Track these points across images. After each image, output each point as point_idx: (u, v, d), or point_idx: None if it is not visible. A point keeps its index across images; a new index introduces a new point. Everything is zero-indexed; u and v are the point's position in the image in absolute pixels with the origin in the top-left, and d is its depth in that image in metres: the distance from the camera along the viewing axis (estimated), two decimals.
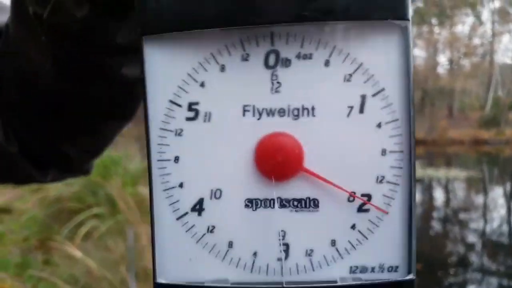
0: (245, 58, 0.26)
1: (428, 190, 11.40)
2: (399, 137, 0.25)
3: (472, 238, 7.25)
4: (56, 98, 0.55)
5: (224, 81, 0.26)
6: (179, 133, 0.26)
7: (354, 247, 0.26)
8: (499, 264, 5.88)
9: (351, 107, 0.25)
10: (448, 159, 17.01)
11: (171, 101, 0.26)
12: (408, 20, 0.24)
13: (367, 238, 0.26)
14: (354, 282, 0.26)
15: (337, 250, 0.26)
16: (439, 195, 11.07)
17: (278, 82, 0.26)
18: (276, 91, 0.26)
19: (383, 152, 0.25)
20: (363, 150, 0.25)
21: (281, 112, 0.26)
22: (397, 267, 0.26)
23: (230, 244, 0.26)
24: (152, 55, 0.26)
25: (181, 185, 0.26)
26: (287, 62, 0.25)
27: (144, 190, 4.87)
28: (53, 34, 0.46)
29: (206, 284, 0.26)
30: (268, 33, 0.25)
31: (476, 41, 25.78)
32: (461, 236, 7.33)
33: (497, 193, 11.00)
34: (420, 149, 19.48)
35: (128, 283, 3.27)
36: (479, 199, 10.27)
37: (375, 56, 0.25)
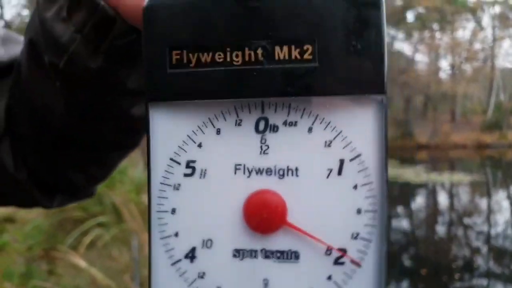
0: (238, 123, 0.29)
1: (432, 194, 11.38)
2: (373, 198, 0.28)
3: (476, 242, 7.23)
4: (66, 133, 0.57)
5: (219, 142, 0.29)
6: (177, 187, 0.29)
7: None
8: (504, 268, 5.86)
9: (331, 170, 0.28)
10: (451, 164, 16.96)
11: (171, 159, 0.29)
12: (385, 93, 0.27)
13: None
14: None
15: None
16: (443, 200, 11.04)
17: (266, 145, 0.29)
18: (265, 153, 0.29)
19: (359, 211, 0.28)
20: (340, 209, 0.29)
21: (269, 171, 0.29)
22: None
23: None
24: (156, 119, 0.29)
25: (176, 234, 0.29)
26: (275, 128, 0.29)
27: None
28: (67, 81, 0.49)
29: None
30: (259, 102, 0.28)
31: (477, 46, 25.77)
32: (465, 240, 7.31)
33: (501, 197, 10.96)
34: (423, 153, 19.45)
35: None
36: (483, 203, 10.24)
37: (353, 125, 0.28)
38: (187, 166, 0.29)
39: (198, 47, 0.28)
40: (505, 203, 10.24)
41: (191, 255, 0.29)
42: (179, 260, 0.30)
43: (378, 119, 0.28)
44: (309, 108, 0.28)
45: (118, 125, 0.56)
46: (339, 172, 0.28)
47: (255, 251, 0.29)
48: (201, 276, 0.29)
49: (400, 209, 9.87)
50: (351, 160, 0.28)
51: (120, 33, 0.43)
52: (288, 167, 0.29)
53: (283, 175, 0.29)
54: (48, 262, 4.79)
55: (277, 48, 0.27)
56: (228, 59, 0.27)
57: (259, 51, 0.27)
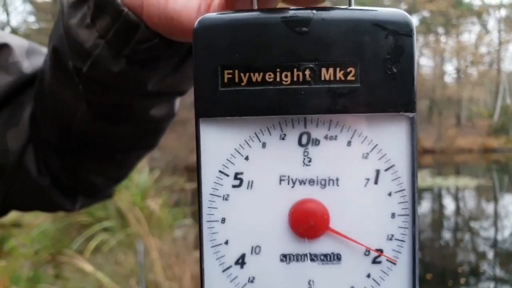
0: (282, 138, 0.31)
1: (437, 199, 11.35)
2: (405, 203, 0.31)
3: (482, 247, 7.21)
4: (88, 137, 0.59)
5: (265, 155, 0.31)
6: (225, 198, 0.32)
7: None
8: (510, 273, 5.84)
9: (368, 179, 0.31)
10: (456, 168, 16.92)
11: (220, 171, 0.32)
12: (415, 112, 0.31)
13: (379, 285, 0.32)
14: None
15: None
16: (448, 204, 11.01)
17: (309, 158, 0.31)
18: (307, 165, 0.31)
19: (393, 215, 0.32)
20: (377, 214, 0.32)
21: (311, 182, 0.31)
22: None
23: None
24: (206, 134, 0.31)
25: (226, 242, 0.32)
26: (316, 142, 0.31)
27: (153, 204, 4.89)
28: (90, 84, 0.51)
29: None
30: (302, 118, 0.31)
31: (483, 49, 25.74)
32: (471, 245, 7.29)
33: (508, 201, 10.91)
34: (429, 158, 19.41)
35: None
36: (489, 208, 10.21)
37: (387, 139, 0.31)
38: (235, 177, 0.32)
39: (250, 67, 0.30)
40: None
41: (241, 261, 0.32)
42: (230, 267, 0.32)
43: (409, 133, 0.31)
44: (348, 124, 0.31)
45: (138, 127, 0.58)
46: (376, 181, 0.31)
47: (301, 255, 0.32)
48: (251, 280, 0.32)
49: None
50: (386, 170, 0.31)
51: (142, 38, 0.45)
52: (329, 177, 0.31)
53: (324, 185, 0.31)
54: (54, 266, 4.81)
55: (323, 70, 0.30)
56: (278, 79, 0.30)
57: (307, 72, 0.30)
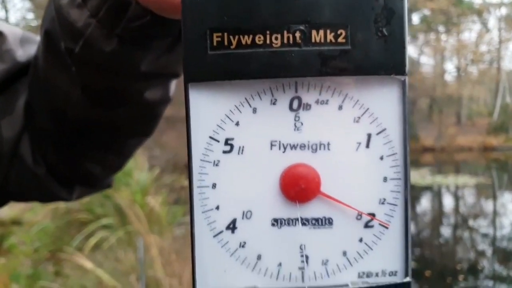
0: (273, 103, 0.31)
1: (437, 197, 11.36)
2: (397, 167, 0.31)
3: (481, 244, 7.22)
4: (83, 123, 0.58)
5: (256, 121, 0.31)
6: (216, 163, 0.32)
7: (362, 257, 0.32)
8: (509, 270, 5.84)
9: (359, 143, 0.31)
10: (456, 166, 16.93)
11: (211, 137, 0.32)
12: (406, 75, 0.30)
13: (372, 249, 0.32)
14: (362, 285, 0.32)
15: (347, 259, 0.32)
16: (448, 202, 11.02)
17: (300, 122, 0.31)
18: (298, 130, 0.31)
19: (385, 179, 0.32)
20: (369, 178, 0.32)
21: (302, 146, 0.31)
22: (396, 271, 0.32)
23: (259, 257, 0.32)
24: (195, 99, 0.31)
25: (217, 208, 0.32)
26: (308, 106, 0.31)
27: (153, 201, 4.89)
28: (83, 65, 0.50)
29: None
30: (293, 82, 0.31)
31: (483, 48, 25.73)
32: (470, 243, 7.29)
33: (507, 199, 10.93)
34: (429, 156, 19.42)
35: None
36: (488, 206, 10.22)
37: (379, 103, 0.31)
38: (226, 143, 0.32)
39: (239, 30, 0.30)
40: (511, 206, 10.21)
41: (232, 226, 0.32)
42: (221, 232, 0.32)
43: (401, 97, 0.31)
44: (339, 88, 0.31)
45: (133, 111, 0.58)
46: (367, 145, 0.31)
47: (293, 220, 0.32)
48: (242, 245, 0.32)
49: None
50: (378, 134, 0.31)
51: (134, 16, 0.45)
52: (320, 142, 0.31)
53: (316, 149, 0.31)
54: (54, 264, 4.81)
55: (314, 32, 0.30)
56: (268, 41, 0.30)
57: (297, 34, 0.30)
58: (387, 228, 0.32)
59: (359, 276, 0.32)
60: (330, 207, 0.31)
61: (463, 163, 18.00)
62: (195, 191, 0.32)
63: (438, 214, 9.63)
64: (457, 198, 11.36)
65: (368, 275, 0.32)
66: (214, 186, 0.32)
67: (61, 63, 0.52)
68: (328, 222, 0.32)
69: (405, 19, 0.30)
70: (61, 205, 5.42)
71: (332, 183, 0.31)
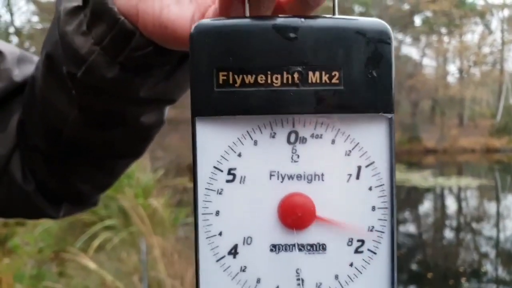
0: (272, 136, 0.34)
1: (439, 199, 11.35)
2: (384, 197, 0.34)
3: (483, 246, 7.21)
4: (77, 143, 0.59)
5: (256, 152, 0.34)
6: (220, 192, 0.34)
7: (352, 280, 0.34)
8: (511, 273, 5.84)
9: (350, 175, 0.34)
10: (459, 168, 16.91)
11: (215, 167, 0.34)
12: (393, 112, 0.33)
13: (361, 273, 0.34)
14: None
15: (339, 282, 0.34)
16: (450, 204, 11.00)
17: (297, 155, 0.34)
18: (295, 161, 0.34)
19: (373, 208, 0.34)
20: (358, 207, 0.34)
21: (299, 177, 0.34)
22: None
23: (258, 280, 0.34)
24: (202, 132, 0.34)
25: (220, 234, 0.34)
26: (304, 140, 0.34)
27: (156, 202, 4.91)
28: (84, 89, 0.52)
29: None
30: (291, 118, 0.34)
31: (486, 49, 25.69)
32: (472, 245, 7.29)
33: (510, 201, 10.91)
34: (431, 158, 19.41)
35: None
36: (491, 207, 10.20)
37: (368, 138, 0.34)
38: (229, 173, 0.34)
39: (243, 70, 0.33)
40: None
41: (233, 251, 0.34)
42: (223, 257, 0.34)
43: (388, 133, 0.34)
44: (332, 124, 0.34)
45: (128, 134, 0.59)
46: (357, 177, 0.34)
47: (290, 245, 0.34)
48: (243, 269, 0.34)
49: (407, 213, 9.86)
50: (367, 166, 0.34)
51: (137, 46, 0.46)
52: (315, 173, 0.34)
53: (311, 180, 0.34)
54: (58, 264, 4.83)
55: (311, 73, 0.33)
56: (269, 81, 0.32)
57: (296, 75, 0.32)
58: (375, 254, 0.34)
59: None
60: (324, 234, 0.34)
61: (465, 165, 17.97)
62: (200, 217, 0.34)
63: (441, 216, 9.63)
64: (459, 200, 11.35)
65: None
66: (217, 213, 0.34)
67: (61, 85, 0.53)
68: (322, 248, 0.34)
69: (392, 62, 0.33)
70: None
71: (325, 211, 0.34)
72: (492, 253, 6.83)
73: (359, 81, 0.33)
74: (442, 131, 22.87)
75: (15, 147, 0.65)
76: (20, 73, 0.65)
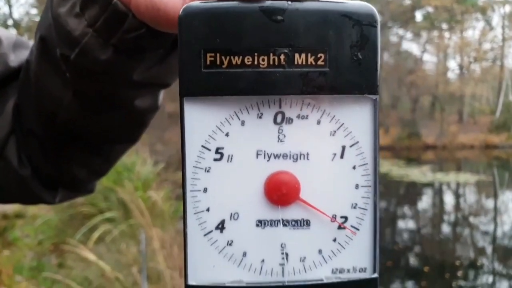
0: (259, 116, 0.35)
1: (438, 194, 11.37)
2: (368, 176, 0.35)
3: (479, 240, 7.24)
4: (72, 126, 0.59)
5: (244, 132, 0.35)
6: (207, 170, 0.35)
7: (335, 255, 0.36)
8: (508, 268, 5.87)
9: (335, 154, 0.35)
10: (458, 164, 16.93)
11: (203, 146, 0.35)
12: (377, 94, 0.34)
13: (344, 248, 0.36)
14: (335, 280, 0.36)
15: (323, 257, 0.36)
16: (448, 199, 11.02)
17: (283, 135, 0.35)
18: (281, 141, 0.35)
19: (357, 186, 0.35)
20: (342, 185, 0.35)
21: (285, 156, 0.35)
22: (365, 268, 0.36)
23: (244, 254, 0.35)
24: (190, 112, 0.35)
25: (208, 210, 0.35)
26: (290, 120, 0.35)
27: (155, 195, 4.92)
28: (77, 72, 0.52)
29: (226, 285, 0.35)
30: (277, 99, 0.35)
31: (487, 46, 25.64)
32: (470, 239, 7.32)
33: (508, 197, 10.93)
34: (430, 154, 19.42)
35: (140, 284, 3.32)
36: (489, 203, 10.23)
37: (353, 119, 0.35)
38: (216, 152, 0.35)
39: (230, 51, 0.33)
40: None
41: (220, 226, 0.35)
42: (211, 231, 0.36)
43: (372, 114, 0.35)
44: (318, 104, 0.35)
45: (122, 118, 0.60)
46: (342, 156, 0.35)
47: (275, 221, 0.35)
48: (230, 243, 0.36)
49: (406, 208, 9.88)
50: (351, 146, 0.35)
51: (130, 27, 0.47)
52: (300, 152, 0.35)
53: (296, 159, 0.35)
54: (58, 256, 4.85)
55: (297, 55, 0.33)
56: (256, 62, 0.33)
57: (282, 57, 0.33)
58: (358, 230, 0.36)
59: (333, 272, 0.36)
60: (308, 210, 0.35)
61: (464, 160, 17.99)
62: (188, 194, 0.35)
63: (439, 211, 9.65)
64: (457, 195, 11.37)
65: (341, 271, 0.36)
66: (205, 190, 0.35)
67: (55, 68, 0.53)
68: (306, 223, 0.35)
69: (377, 44, 0.34)
70: None
71: (310, 188, 0.35)
72: (488, 248, 6.86)
73: (344, 63, 0.34)
74: (442, 127, 22.86)
75: (11, 131, 0.66)
76: (15, 58, 0.66)
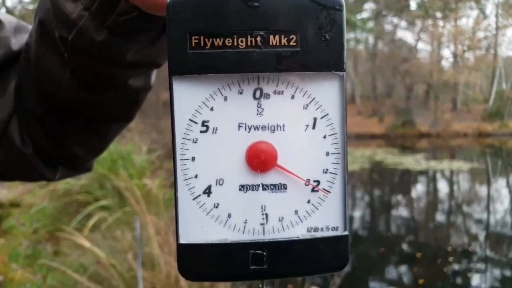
0: (240, 92, 0.39)
1: (431, 181, 11.47)
2: (337, 144, 0.40)
3: (471, 227, 7.33)
4: (71, 105, 0.63)
5: (226, 107, 0.39)
6: (195, 141, 0.39)
7: (310, 215, 0.40)
8: (499, 254, 5.96)
9: (307, 125, 0.40)
10: (451, 152, 17.03)
11: (190, 119, 0.39)
12: (344, 71, 0.39)
13: (317, 209, 0.40)
14: (310, 237, 0.40)
15: (299, 217, 0.40)
16: (441, 186, 11.12)
17: (262, 108, 0.39)
18: (260, 114, 0.39)
19: (327, 154, 0.40)
20: (315, 152, 0.40)
21: (263, 128, 0.39)
22: (337, 227, 0.41)
23: (229, 215, 0.40)
24: (178, 89, 0.39)
25: (196, 176, 0.39)
26: (267, 96, 0.39)
27: (150, 183, 4.94)
28: (75, 52, 0.55)
29: (213, 242, 0.39)
30: (256, 76, 0.39)
31: (480, 34, 25.66)
32: (463, 226, 7.41)
33: (501, 184, 11.04)
34: (424, 142, 19.52)
35: (135, 270, 3.36)
36: (482, 190, 10.33)
37: (323, 93, 0.39)
38: (202, 124, 0.39)
39: (212, 34, 0.37)
40: (505, 191, 10.33)
41: (207, 191, 0.40)
42: (199, 195, 0.40)
43: (340, 88, 0.39)
44: (292, 81, 0.39)
45: (117, 96, 0.63)
46: (313, 127, 0.40)
47: (256, 185, 0.40)
48: (216, 206, 0.40)
49: (400, 196, 9.97)
50: (322, 118, 0.40)
51: (123, 11, 0.51)
52: (277, 124, 0.39)
53: (274, 130, 0.39)
54: (53, 244, 4.87)
55: (271, 37, 0.38)
56: (235, 43, 0.37)
57: (258, 38, 0.37)
58: (329, 192, 0.40)
59: (308, 231, 0.40)
60: (285, 176, 0.39)
61: (458, 148, 18.09)
62: (178, 163, 0.39)
63: (432, 198, 9.75)
64: (451, 183, 11.47)
65: (315, 229, 0.40)
66: (193, 159, 0.39)
67: (53, 50, 0.57)
68: (283, 187, 0.40)
69: (343, 26, 0.38)
70: (60, 186, 5.44)
71: (286, 156, 0.39)
72: (480, 234, 6.96)
73: (313, 43, 0.38)
74: (436, 115, 22.96)
75: (13, 111, 0.69)
76: (16, 42, 0.69)
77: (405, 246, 6.41)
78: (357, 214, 8.26)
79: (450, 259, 5.57)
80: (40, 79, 0.62)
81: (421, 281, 4.91)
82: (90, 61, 0.56)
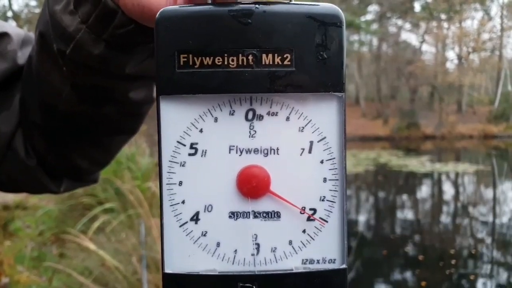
0: (231, 113, 0.37)
1: (436, 184, 11.41)
2: (335, 170, 0.37)
3: (477, 230, 7.28)
4: (72, 118, 0.62)
5: (217, 128, 0.37)
6: (183, 164, 0.37)
7: (305, 246, 0.37)
8: (505, 256, 5.92)
9: (303, 149, 0.37)
10: (457, 154, 16.96)
11: (178, 142, 0.37)
12: (344, 92, 0.36)
13: (313, 239, 0.37)
14: (304, 270, 0.37)
15: (293, 247, 0.37)
16: (446, 189, 11.06)
17: (254, 130, 0.37)
18: (253, 137, 0.37)
19: (324, 180, 0.37)
20: (311, 178, 0.37)
21: (256, 151, 0.37)
22: (334, 259, 0.38)
23: (218, 244, 0.37)
24: (166, 109, 0.36)
25: (183, 202, 0.37)
26: (260, 117, 0.37)
27: (154, 186, 4.93)
28: (73, 66, 0.55)
29: (200, 273, 0.37)
30: (248, 97, 0.36)
31: (485, 36, 25.55)
32: (467, 229, 7.37)
33: (507, 186, 10.97)
34: (429, 144, 19.44)
35: (140, 273, 3.36)
36: (488, 193, 10.27)
37: (320, 115, 0.37)
38: (191, 147, 0.37)
39: (202, 52, 0.35)
40: (511, 193, 10.26)
41: (195, 218, 0.37)
42: (186, 222, 0.37)
43: (339, 110, 0.37)
44: (287, 102, 0.37)
45: (119, 109, 0.62)
46: (310, 151, 0.37)
47: (247, 213, 0.37)
48: (204, 234, 0.37)
49: (405, 198, 9.92)
50: (319, 141, 0.37)
51: (119, 24, 0.50)
52: (271, 147, 0.37)
53: (267, 153, 0.37)
54: (58, 246, 4.88)
55: (264, 55, 0.35)
56: (226, 62, 0.35)
57: (250, 57, 0.35)
58: (326, 221, 0.37)
59: (303, 263, 0.37)
60: (279, 203, 0.37)
61: (463, 151, 18.02)
62: (164, 187, 0.37)
63: (437, 201, 9.70)
64: (456, 185, 11.41)
65: (311, 261, 0.37)
66: (180, 183, 0.37)
67: (53, 63, 0.56)
68: (277, 215, 0.37)
69: (343, 44, 0.36)
70: None
71: (280, 182, 0.37)
72: (485, 237, 6.91)
73: (310, 62, 0.35)
74: (441, 117, 22.87)
75: (19, 124, 0.69)
76: (22, 55, 0.69)
77: (408, 249, 6.36)
78: (361, 217, 8.22)
79: (453, 262, 5.53)
80: (41, 91, 0.62)
81: (423, 284, 4.88)
82: (89, 74, 0.56)
